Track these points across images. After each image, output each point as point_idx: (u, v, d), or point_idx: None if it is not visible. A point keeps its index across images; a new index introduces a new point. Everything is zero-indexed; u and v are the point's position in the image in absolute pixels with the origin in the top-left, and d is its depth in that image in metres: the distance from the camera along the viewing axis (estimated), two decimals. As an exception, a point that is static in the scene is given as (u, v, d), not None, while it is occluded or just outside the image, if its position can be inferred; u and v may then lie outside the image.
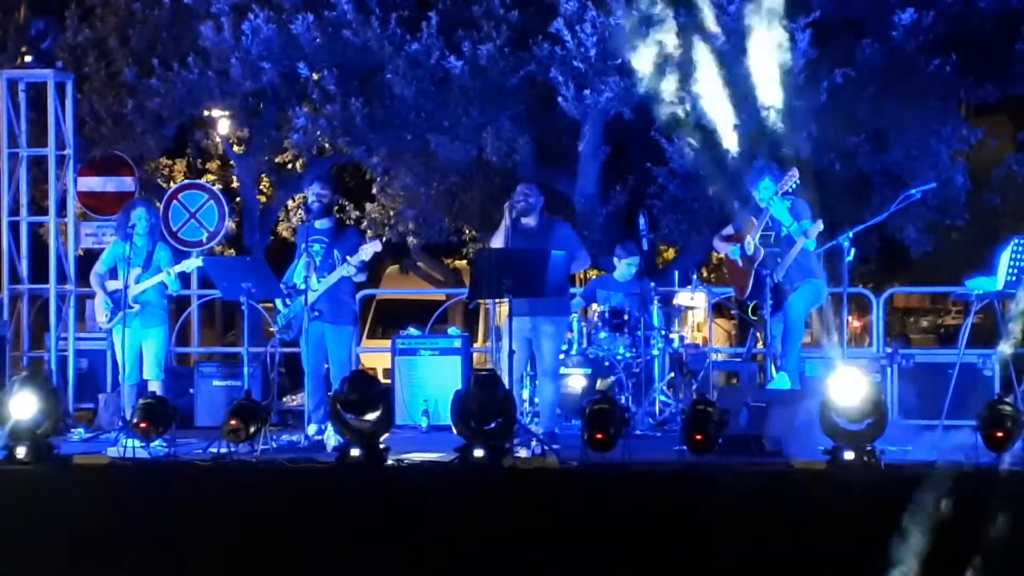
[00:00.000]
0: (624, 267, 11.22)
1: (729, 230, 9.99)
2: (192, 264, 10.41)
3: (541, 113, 12.70)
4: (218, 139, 17.04)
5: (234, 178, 18.22)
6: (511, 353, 8.94)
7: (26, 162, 11.91)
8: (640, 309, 10.83)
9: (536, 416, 9.82)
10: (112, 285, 10.06)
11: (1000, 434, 7.83)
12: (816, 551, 7.35)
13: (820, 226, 9.40)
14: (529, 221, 9.61)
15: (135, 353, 9.94)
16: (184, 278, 12.36)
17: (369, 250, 9.50)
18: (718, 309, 13.30)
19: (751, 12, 11.29)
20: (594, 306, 11.30)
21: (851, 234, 9.28)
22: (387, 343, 12.02)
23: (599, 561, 7.65)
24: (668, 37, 11.43)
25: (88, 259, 12.97)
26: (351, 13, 12.25)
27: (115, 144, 13.25)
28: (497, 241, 9.56)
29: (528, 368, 9.98)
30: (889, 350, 11.10)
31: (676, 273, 11.99)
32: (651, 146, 12.50)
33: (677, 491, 7.80)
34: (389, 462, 8.30)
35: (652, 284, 11.12)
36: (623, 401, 10.24)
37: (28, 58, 11.77)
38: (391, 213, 16.11)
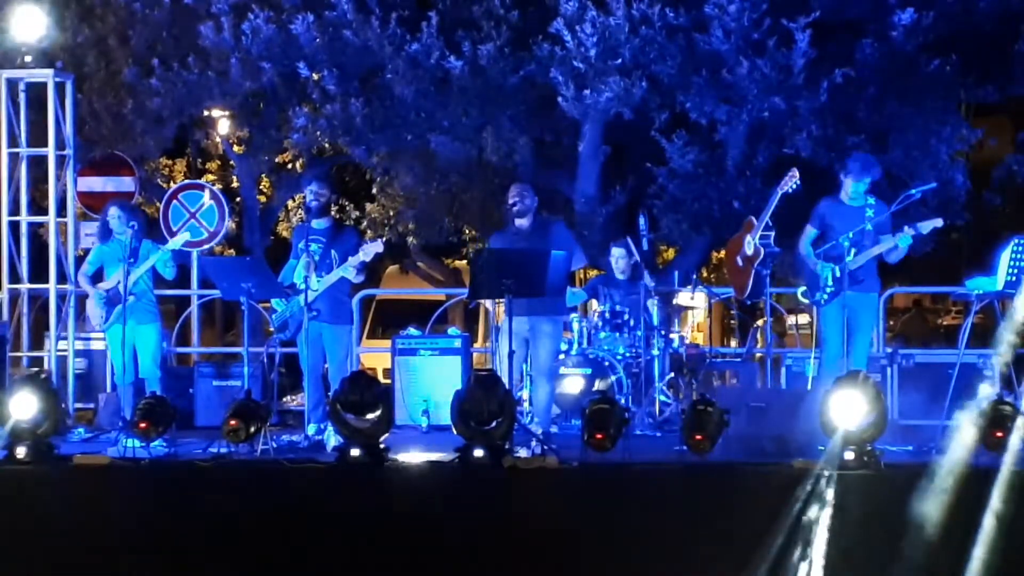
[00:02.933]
0: (619, 261, 11.21)
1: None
2: (179, 240, 10.37)
3: (541, 113, 12.70)
4: (218, 139, 17.07)
5: (234, 178, 18.24)
6: (511, 353, 8.95)
7: (26, 162, 11.90)
8: (640, 309, 10.83)
9: (535, 416, 9.81)
10: (103, 286, 10.05)
11: (1000, 434, 7.84)
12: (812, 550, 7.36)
13: (938, 222, 9.20)
14: (523, 222, 9.64)
15: (130, 353, 9.92)
16: (184, 278, 12.38)
17: (371, 251, 9.48)
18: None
19: None
20: (594, 304, 11.30)
21: (851, 234, 9.26)
22: (387, 343, 12.02)
23: (599, 561, 7.66)
24: None
25: (88, 259, 12.99)
26: (351, 13, 12.25)
27: (115, 144, 13.25)
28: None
29: (528, 367, 9.99)
30: (889, 350, 11.09)
31: (676, 273, 12.00)
32: (651, 146, 12.50)
33: (677, 491, 7.81)
34: (389, 462, 8.30)
35: (652, 283, 11.10)
36: (623, 401, 10.24)
37: (28, 58, 11.76)
38: (391, 213, 16.14)
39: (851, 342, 9.16)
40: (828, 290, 9.15)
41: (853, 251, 9.07)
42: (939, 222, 9.21)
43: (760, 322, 12.01)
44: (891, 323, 20.33)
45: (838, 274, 9.10)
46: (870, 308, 9.39)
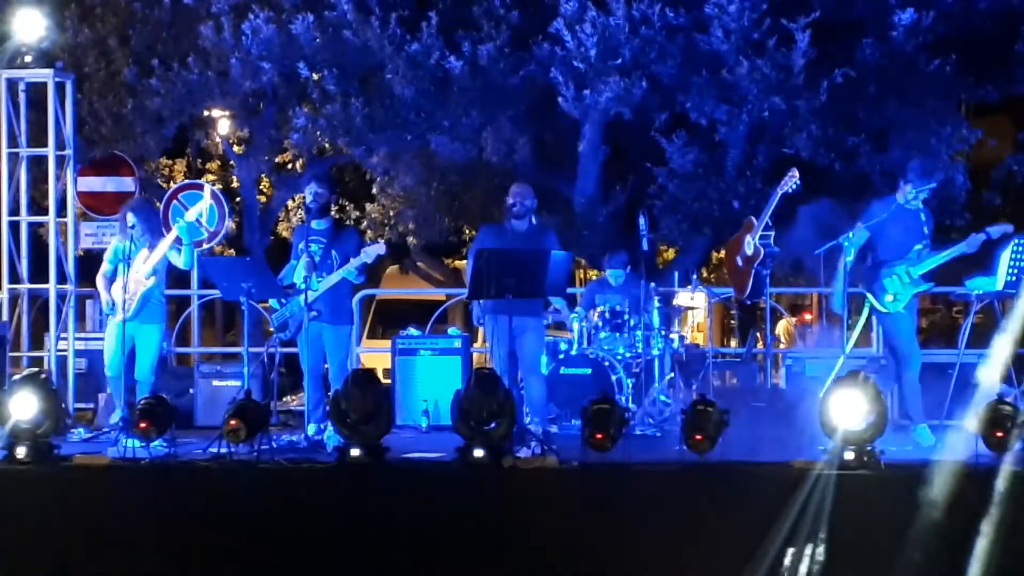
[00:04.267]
0: (611, 277, 11.23)
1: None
2: (193, 213, 10.35)
3: (541, 113, 12.71)
4: (218, 139, 17.06)
5: (234, 178, 18.23)
6: (510, 353, 8.95)
7: (26, 162, 11.90)
8: (638, 310, 10.83)
9: (533, 416, 9.80)
10: (114, 289, 10.03)
11: (1000, 434, 7.83)
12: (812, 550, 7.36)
13: (1009, 228, 9.24)
14: (520, 223, 9.64)
15: (128, 347, 9.89)
16: (184, 278, 12.37)
17: (372, 252, 9.49)
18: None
19: None
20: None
21: (851, 234, 9.27)
22: (387, 343, 12.02)
23: (599, 561, 7.66)
24: None
25: (88, 259, 12.97)
26: (351, 13, 12.25)
27: (115, 144, 13.25)
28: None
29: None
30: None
31: (676, 273, 12.00)
32: (651, 146, 12.51)
33: (677, 491, 7.81)
34: (389, 462, 8.30)
35: (652, 284, 11.10)
36: (623, 401, 10.23)
37: (28, 58, 11.76)
38: (391, 213, 16.12)
39: None
40: (899, 295, 9.19)
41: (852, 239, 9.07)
42: (1009, 228, 9.22)
43: (781, 329, 12.08)
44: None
45: (907, 280, 9.14)
46: (915, 308, 9.46)
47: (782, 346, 13.49)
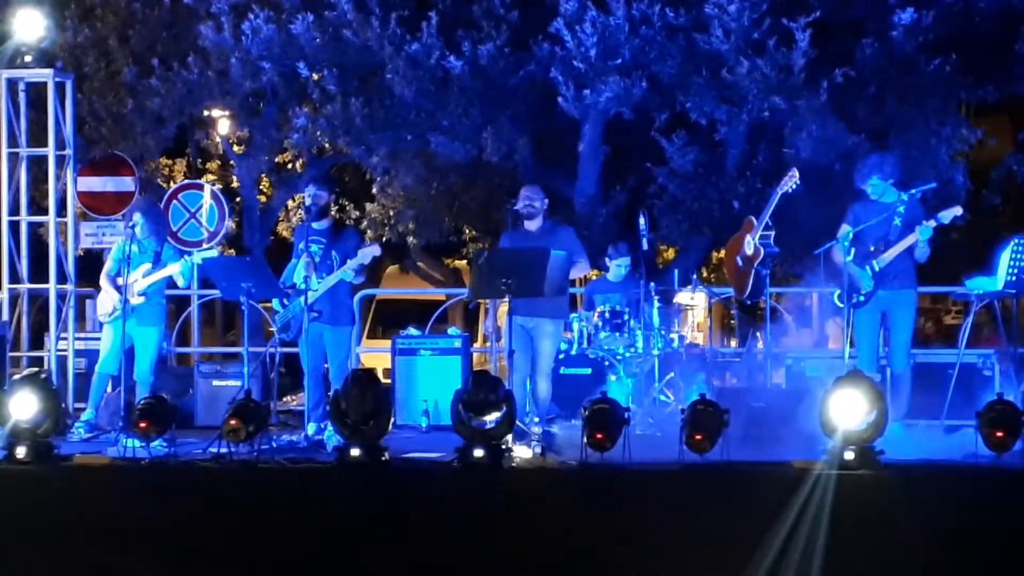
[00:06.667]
0: (615, 268, 11.24)
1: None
2: (205, 255, 10.45)
3: (541, 113, 12.71)
4: (218, 139, 17.06)
5: (234, 178, 18.24)
6: (511, 353, 8.96)
7: (26, 162, 11.91)
8: (638, 309, 10.83)
9: (535, 415, 9.82)
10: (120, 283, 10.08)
11: (1000, 434, 7.83)
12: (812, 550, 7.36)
13: (958, 210, 9.26)
14: (533, 225, 9.67)
15: (119, 345, 9.91)
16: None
17: (368, 254, 9.52)
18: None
19: None
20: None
21: (851, 234, 9.27)
22: (387, 343, 12.02)
23: (599, 561, 7.66)
24: None
25: (88, 259, 12.99)
26: (351, 13, 12.26)
27: (115, 144, 13.26)
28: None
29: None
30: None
31: (676, 273, 12.00)
32: (651, 146, 12.51)
33: (677, 491, 7.81)
34: (389, 462, 8.30)
35: (652, 284, 11.10)
36: (623, 401, 10.22)
37: (28, 58, 11.77)
38: (391, 213, 16.14)
39: (890, 341, 9.21)
40: (865, 290, 9.19)
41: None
42: (958, 210, 9.24)
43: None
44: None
45: (871, 273, 9.16)
46: (907, 305, 9.39)
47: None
